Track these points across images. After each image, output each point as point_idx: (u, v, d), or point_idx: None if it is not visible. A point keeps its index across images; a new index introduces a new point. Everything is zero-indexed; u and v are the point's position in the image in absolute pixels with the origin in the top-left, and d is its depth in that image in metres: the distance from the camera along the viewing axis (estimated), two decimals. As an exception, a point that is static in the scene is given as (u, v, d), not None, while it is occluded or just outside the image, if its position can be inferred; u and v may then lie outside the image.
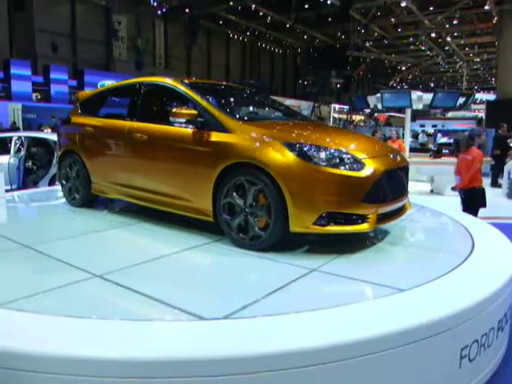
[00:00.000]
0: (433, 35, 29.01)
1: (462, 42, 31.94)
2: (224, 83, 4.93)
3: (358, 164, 2.92)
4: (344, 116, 31.72)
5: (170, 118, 3.48)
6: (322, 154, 2.90)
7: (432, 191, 9.85)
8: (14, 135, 8.29)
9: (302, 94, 34.84)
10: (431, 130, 21.42)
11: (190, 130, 3.39)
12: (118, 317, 2.05)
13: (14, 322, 2.01)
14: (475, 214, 5.19)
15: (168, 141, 3.54)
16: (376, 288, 2.46)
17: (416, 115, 16.70)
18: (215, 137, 3.23)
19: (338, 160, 2.90)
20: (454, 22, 27.08)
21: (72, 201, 4.53)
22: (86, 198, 4.40)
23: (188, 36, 28.29)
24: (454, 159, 9.87)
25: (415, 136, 19.76)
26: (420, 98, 10.34)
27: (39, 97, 19.66)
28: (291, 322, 2.02)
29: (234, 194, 3.10)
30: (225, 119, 3.28)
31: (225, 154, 3.12)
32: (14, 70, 17.64)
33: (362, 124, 29.50)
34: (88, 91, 5.24)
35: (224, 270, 2.82)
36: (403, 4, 22.90)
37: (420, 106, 10.82)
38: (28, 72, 18.21)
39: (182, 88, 3.65)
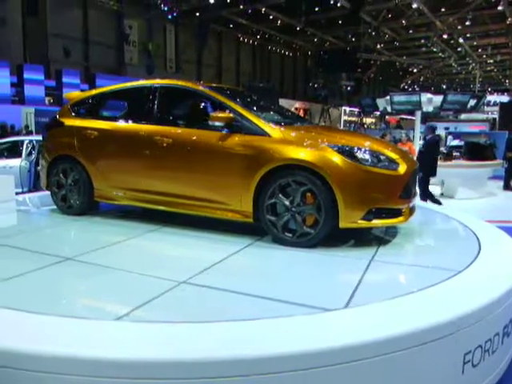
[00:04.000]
0: (445, 37, 28.77)
1: (475, 43, 31.62)
2: (231, 87, 4.85)
3: (394, 164, 3.22)
4: (354, 119, 31.58)
5: (195, 121, 3.58)
6: (367, 155, 3.15)
7: (442, 194, 9.73)
8: (26, 139, 8.41)
9: (313, 96, 34.75)
10: (443, 133, 21.20)
11: (226, 133, 3.41)
12: (238, 318, 2.05)
13: (15, 323, 2.01)
14: None
15: (202, 145, 3.50)
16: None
17: (427, 117, 16.57)
18: (256, 140, 3.31)
19: (379, 160, 3.17)
20: (467, 23, 26.82)
21: (68, 209, 4.27)
22: (85, 205, 4.19)
23: (198, 40, 28.45)
24: (464, 162, 9.79)
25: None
26: (430, 101, 10.24)
27: (52, 101, 19.93)
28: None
29: (280, 194, 3.22)
30: (262, 123, 3.38)
31: (269, 156, 3.22)
32: (27, 75, 17.90)
33: (373, 127, 29.33)
34: (77, 92, 5.05)
35: (297, 266, 2.94)
36: (414, 5, 22.77)
37: (430, 109, 10.72)
38: (41, 76, 18.45)
39: (211, 93, 3.70)
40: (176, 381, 1.71)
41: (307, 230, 3.19)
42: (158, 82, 4.07)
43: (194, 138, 3.56)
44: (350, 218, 3.11)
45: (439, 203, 7.30)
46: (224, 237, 3.53)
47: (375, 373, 1.88)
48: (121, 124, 4.04)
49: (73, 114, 4.40)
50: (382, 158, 3.20)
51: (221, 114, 3.41)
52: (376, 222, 3.18)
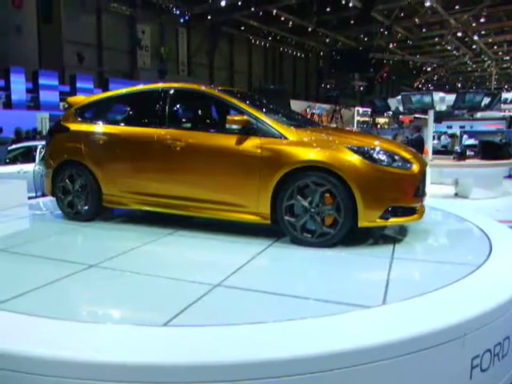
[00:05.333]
0: (459, 34, 28.36)
1: (490, 40, 31.09)
2: (240, 91, 4.82)
3: (408, 163, 3.31)
4: (367, 119, 31.31)
5: (210, 125, 3.63)
6: (383, 156, 3.24)
7: (456, 194, 9.58)
8: (39, 144, 8.55)
9: (325, 97, 34.60)
10: (458, 132, 20.86)
11: (243, 136, 3.44)
12: (283, 319, 2.07)
13: (17, 324, 2.03)
14: None
15: (218, 148, 3.53)
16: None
17: (442, 116, 16.29)
18: (273, 143, 3.37)
19: (394, 160, 3.26)
20: (481, 20, 26.40)
21: (75, 215, 4.23)
22: (93, 211, 4.17)
23: (210, 43, 28.58)
24: (478, 161, 9.61)
25: (438, 138, 19.31)
26: (443, 100, 10.09)
27: (66, 106, 20.18)
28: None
29: (298, 195, 3.27)
30: (278, 126, 3.44)
31: (288, 158, 3.27)
32: (42, 81, 18.17)
33: (386, 127, 29.05)
34: (82, 96, 4.93)
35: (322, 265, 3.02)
36: (427, 4, 22.49)
37: (443, 108, 10.56)
38: (55, 82, 18.72)
39: (225, 97, 3.72)
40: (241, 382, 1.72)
41: (327, 229, 3.25)
42: (169, 85, 4.06)
43: (210, 141, 3.58)
44: (368, 218, 3.18)
45: None
46: (240, 239, 3.54)
47: (375, 379, 1.85)
48: (132, 128, 4.01)
49: (79, 118, 4.35)
50: (396, 157, 3.29)
51: (237, 117, 3.45)
52: (393, 221, 3.27)
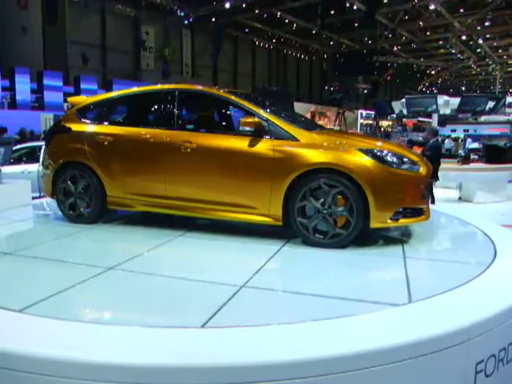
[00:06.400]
0: (463, 38, 28.32)
1: (495, 43, 31.04)
2: (243, 92, 4.79)
3: (416, 165, 3.37)
4: (371, 122, 31.25)
5: (220, 127, 3.69)
6: (394, 158, 3.29)
7: (460, 198, 9.55)
8: (43, 144, 8.57)
9: (329, 100, 34.58)
10: (461, 135, 20.81)
11: (255, 138, 3.46)
12: (320, 318, 2.08)
13: (19, 326, 2.03)
14: None
15: (230, 150, 3.52)
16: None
17: (446, 120, 16.30)
18: (286, 145, 3.38)
19: (403, 162, 3.32)
20: (486, 23, 26.36)
21: (77, 218, 4.12)
22: (97, 213, 4.08)
23: (214, 44, 28.65)
24: (482, 165, 9.59)
25: (442, 141, 19.25)
26: (447, 103, 10.08)
27: (70, 106, 20.24)
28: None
29: (311, 197, 3.30)
30: (290, 128, 3.47)
31: (301, 160, 3.30)
32: (46, 81, 18.27)
33: (390, 129, 28.99)
34: (83, 97, 4.79)
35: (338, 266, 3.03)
36: (432, 7, 22.48)
37: (447, 111, 10.55)
38: (60, 83, 18.81)
39: (235, 99, 3.74)
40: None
41: (339, 231, 3.28)
42: (178, 86, 4.04)
43: (222, 142, 3.57)
44: (380, 219, 3.23)
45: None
46: (250, 240, 3.54)
47: None
48: (139, 129, 3.94)
49: (81, 119, 4.26)
50: (405, 160, 3.34)
51: (250, 119, 3.45)
52: (402, 221, 3.33)
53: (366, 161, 3.22)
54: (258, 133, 3.46)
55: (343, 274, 2.89)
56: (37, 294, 2.41)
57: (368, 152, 3.26)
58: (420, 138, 10.00)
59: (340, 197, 3.24)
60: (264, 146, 3.42)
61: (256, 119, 3.46)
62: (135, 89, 4.40)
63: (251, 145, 3.45)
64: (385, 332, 1.94)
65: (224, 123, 4.37)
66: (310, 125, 4.25)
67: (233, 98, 3.77)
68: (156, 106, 4.22)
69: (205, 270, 2.90)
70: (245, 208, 3.51)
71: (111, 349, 1.80)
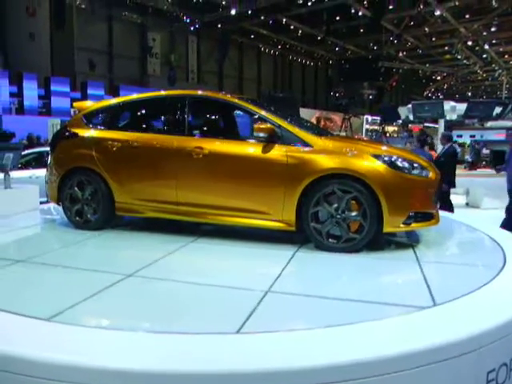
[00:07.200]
0: (469, 43, 28.25)
1: (501, 49, 30.93)
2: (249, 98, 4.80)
3: (426, 171, 3.43)
4: (376, 127, 31.17)
5: (232, 133, 3.74)
6: (405, 164, 3.35)
7: (467, 204, 9.49)
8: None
9: (334, 105, 34.57)
10: (468, 141, 20.70)
11: (269, 144, 3.48)
12: (344, 322, 2.09)
13: (20, 327, 2.03)
14: None
15: (243, 156, 3.55)
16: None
17: (452, 125, 16.21)
18: (300, 151, 3.42)
19: (414, 168, 3.38)
20: (492, 29, 26.29)
21: (84, 224, 4.08)
22: (104, 219, 4.06)
23: (220, 51, 28.79)
24: (489, 171, 9.52)
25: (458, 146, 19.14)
26: (453, 109, 10.04)
27: (77, 112, 20.37)
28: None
29: (325, 202, 3.34)
30: (303, 134, 3.51)
31: (315, 166, 3.33)
32: (53, 87, 18.40)
33: (396, 135, 28.89)
34: (89, 102, 4.74)
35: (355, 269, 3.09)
36: (437, 13, 22.46)
37: (454, 117, 10.51)
38: (67, 89, 18.94)
39: (248, 106, 3.77)
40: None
41: (353, 235, 3.31)
42: (189, 92, 4.08)
43: (235, 149, 3.59)
44: (393, 223, 3.29)
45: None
46: (262, 245, 3.55)
47: None
48: (149, 135, 3.95)
49: (88, 124, 4.23)
50: (415, 165, 3.40)
51: (264, 126, 3.49)
52: (414, 226, 3.39)
53: (379, 166, 3.27)
54: (271, 139, 3.47)
55: (362, 278, 2.92)
56: (66, 300, 2.38)
57: (381, 157, 3.32)
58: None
59: (354, 202, 3.27)
60: (277, 152, 3.45)
61: (269, 125, 3.48)
62: (142, 94, 4.41)
63: (264, 151, 3.48)
64: (414, 334, 1.97)
65: (235, 129, 4.40)
66: (318, 130, 4.26)
67: (245, 104, 3.79)
68: (166, 112, 4.26)
69: (226, 275, 2.90)
70: (257, 213, 3.52)
71: (155, 358, 1.78)
